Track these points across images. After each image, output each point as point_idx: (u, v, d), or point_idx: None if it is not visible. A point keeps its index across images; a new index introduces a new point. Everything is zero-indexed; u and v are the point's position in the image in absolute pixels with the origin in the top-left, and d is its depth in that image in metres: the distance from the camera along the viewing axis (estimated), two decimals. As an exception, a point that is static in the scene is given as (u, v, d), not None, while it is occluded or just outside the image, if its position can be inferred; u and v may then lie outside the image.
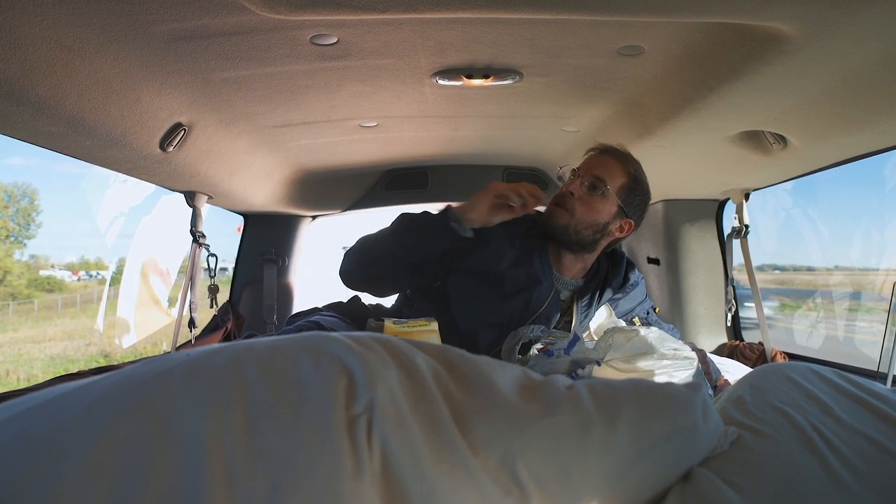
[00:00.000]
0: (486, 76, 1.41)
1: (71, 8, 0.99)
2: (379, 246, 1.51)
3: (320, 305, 1.76)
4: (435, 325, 1.30)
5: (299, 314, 1.71)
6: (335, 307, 1.71)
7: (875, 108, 1.24)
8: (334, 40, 1.22)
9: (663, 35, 1.19)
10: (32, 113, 1.17)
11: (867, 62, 1.07)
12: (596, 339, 1.39)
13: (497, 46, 1.28)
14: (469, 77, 1.42)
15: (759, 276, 2.08)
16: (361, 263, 1.54)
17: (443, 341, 1.28)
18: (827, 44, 1.02)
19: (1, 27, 0.93)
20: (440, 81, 1.44)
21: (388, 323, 1.28)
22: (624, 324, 1.61)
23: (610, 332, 1.25)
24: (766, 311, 2.04)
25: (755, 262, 2.06)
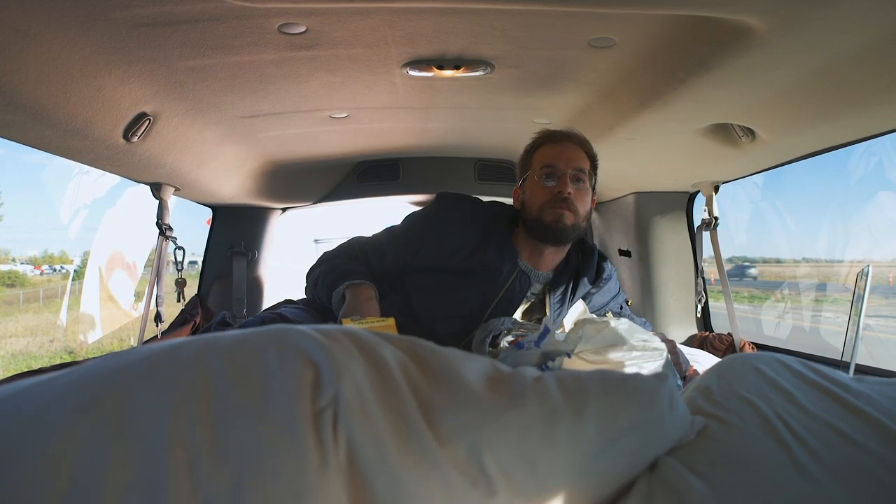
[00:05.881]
0: (457, 67, 1.40)
1: None
2: (313, 287, 1.61)
3: (294, 299, 1.74)
4: (392, 321, 1.29)
5: (267, 309, 1.69)
6: (306, 301, 1.69)
7: (841, 102, 1.27)
8: (303, 29, 1.20)
9: (635, 27, 1.19)
10: None
11: (834, 56, 1.09)
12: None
13: (468, 37, 1.27)
14: (440, 68, 1.41)
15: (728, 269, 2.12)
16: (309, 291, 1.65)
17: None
18: (794, 37, 1.04)
19: None
20: (411, 72, 1.43)
21: (346, 320, 1.28)
22: (597, 318, 1.63)
23: (580, 324, 1.26)
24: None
25: (724, 255, 2.10)
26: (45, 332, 13.52)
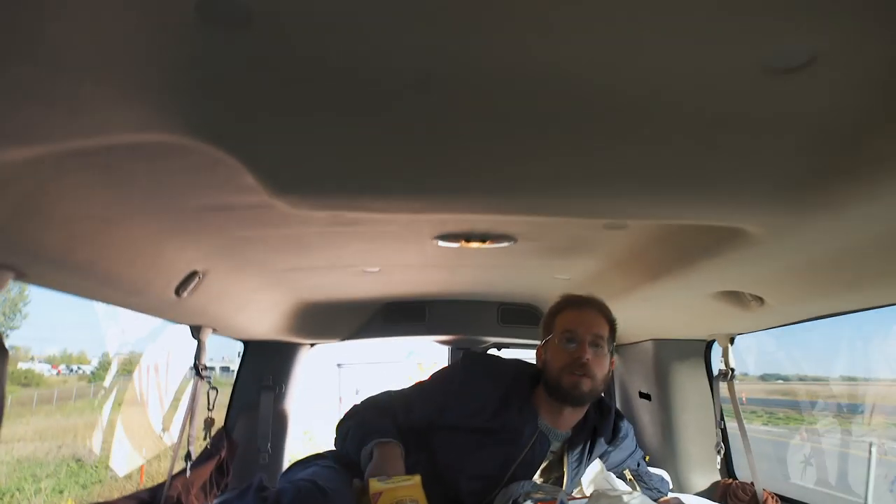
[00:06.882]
0: (483, 240, 1.53)
1: (115, 185, 1.09)
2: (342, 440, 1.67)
3: (323, 452, 1.77)
4: (417, 480, 1.33)
5: (298, 463, 1.72)
6: (334, 455, 1.71)
7: (849, 280, 1.33)
8: None
9: (643, 219, 1.32)
10: (69, 274, 1.26)
11: (829, 250, 1.17)
12: (588, 493, 1.42)
13: (493, 221, 1.41)
14: (468, 241, 1.53)
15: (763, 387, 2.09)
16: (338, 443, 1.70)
17: (428, 493, 1.34)
18: (787, 239, 1.13)
19: (48, 205, 1.03)
20: (441, 244, 1.56)
21: (373, 480, 1.32)
22: (614, 476, 1.64)
23: (596, 498, 1.29)
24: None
25: (760, 372, 2.09)
26: (55, 436, 13.26)
